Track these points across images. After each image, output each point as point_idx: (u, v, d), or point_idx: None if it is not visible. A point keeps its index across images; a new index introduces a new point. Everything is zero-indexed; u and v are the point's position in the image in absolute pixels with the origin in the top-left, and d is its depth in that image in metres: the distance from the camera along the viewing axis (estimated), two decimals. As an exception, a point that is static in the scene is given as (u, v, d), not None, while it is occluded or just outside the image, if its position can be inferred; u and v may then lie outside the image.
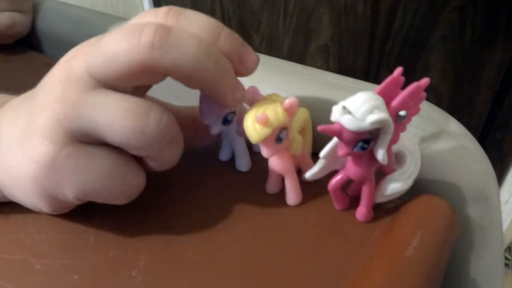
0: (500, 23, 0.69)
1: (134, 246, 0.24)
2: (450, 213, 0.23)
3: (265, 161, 0.29)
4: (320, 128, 0.20)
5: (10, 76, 0.43)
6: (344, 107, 0.20)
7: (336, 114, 0.20)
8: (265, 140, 0.22)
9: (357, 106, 0.20)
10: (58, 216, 0.26)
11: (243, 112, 0.26)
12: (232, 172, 0.29)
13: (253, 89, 0.28)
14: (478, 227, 0.25)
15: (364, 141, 0.21)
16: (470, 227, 0.25)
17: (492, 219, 0.26)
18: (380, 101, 0.20)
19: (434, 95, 0.85)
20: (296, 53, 0.96)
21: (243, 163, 0.28)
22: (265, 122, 0.21)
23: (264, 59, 0.33)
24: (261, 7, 0.97)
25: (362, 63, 0.89)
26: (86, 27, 0.44)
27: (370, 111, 0.20)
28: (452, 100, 0.82)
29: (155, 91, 0.34)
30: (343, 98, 0.28)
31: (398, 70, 0.22)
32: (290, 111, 0.23)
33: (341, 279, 0.21)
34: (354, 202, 0.26)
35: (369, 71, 0.89)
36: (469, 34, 0.73)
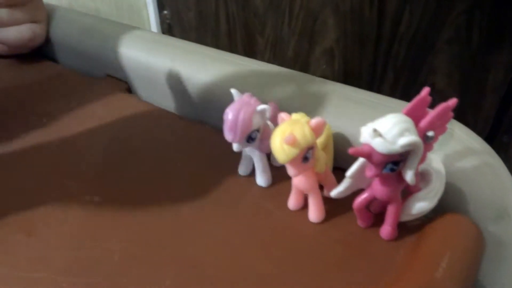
0: (506, 26, 0.69)
1: (159, 265, 0.24)
2: (476, 232, 0.23)
3: (285, 176, 0.29)
4: (351, 151, 0.20)
5: (25, 85, 0.43)
6: (375, 130, 0.20)
7: (366, 136, 0.20)
8: (292, 160, 0.22)
9: (388, 128, 0.20)
10: (83, 232, 0.26)
11: (266, 129, 0.26)
12: (252, 187, 0.29)
13: (274, 106, 0.28)
14: (500, 244, 0.25)
15: (393, 163, 0.21)
16: (492, 244, 0.25)
17: (514, 236, 0.26)
18: (410, 123, 0.20)
19: (440, 99, 0.84)
20: (301, 56, 0.95)
21: (264, 179, 0.28)
22: (293, 142, 0.21)
23: (284, 72, 0.33)
24: (266, 10, 0.97)
25: (367, 66, 0.89)
26: (95, 35, 0.44)
27: (401, 134, 0.20)
28: (458, 103, 0.82)
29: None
30: (365, 114, 0.28)
31: (426, 90, 0.22)
32: (316, 131, 0.23)
33: (370, 300, 0.21)
34: (377, 219, 0.26)
35: (374, 74, 0.88)
36: (476, 37, 0.73)
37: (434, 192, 0.23)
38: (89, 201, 0.28)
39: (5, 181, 0.30)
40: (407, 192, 0.24)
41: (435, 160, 0.24)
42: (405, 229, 0.25)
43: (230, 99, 0.33)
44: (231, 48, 1.09)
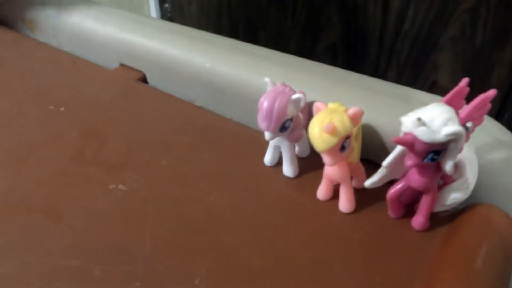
0: (511, 25, 0.70)
1: (193, 253, 0.23)
2: (509, 222, 0.23)
3: (310, 166, 0.29)
4: (395, 139, 0.20)
5: (39, 74, 0.42)
6: (419, 119, 0.20)
7: (409, 125, 0.20)
8: (330, 149, 0.22)
9: (432, 117, 0.20)
10: (111, 220, 0.26)
11: (297, 119, 0.26)
12: (279, 177, 0.29)
13: (302, 93, 0.28)
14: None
15: (434, 153, 0.21)
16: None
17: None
18: (453, 113, 0.20)
19: (443, 95, 0.85)
20: (304, 52, 0.95)
21: (292, 169, 0.28)
22: (332, 131, 0.21)
23: (309, 65, 0.33)
24: (269, 4, 0.96)
25: (370, 62, 0.89)
26: (109, 23, 0.43)
27: (445, 123, 0.20)
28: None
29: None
30: (390, 105, 0.28)
31: (465, 81, 0.22)
32: (354, 120, 0.23)
33: (408, 289, 0.21)
34: (406, 210, 0.26)
35: (377, 71, 0.89)
36: (480, 35, 0.73)
37: (468, 183, 0.23)
38: (115, 189, 0.28)
39: (28, 169, 0.30)
40: (441, 183, 0.24)
41: (469, 152, 0.24)
42: (436, 220, 0.25)
43: (250, 90, 0.33)
44: (234, 42, 1.07)
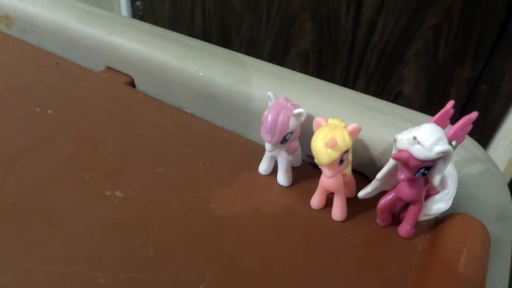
0: (470, 44, 0.75)
1: (196, 261, 0.24)
2: (484, 232, 0.26)
3: (301, 176, 0.31)
4: (393, 156, 0.22)
5: (22, 75, 0.41)
6: (414, 138, 0.22)
7: (405, 143, 0.22)
8: (332, 163, 0.24)
9: (426, 137, 0.22)
10: (110, 226, 0.26)
11: (295, 132, 0.28)
12: (274, 186, 0.30)
13: (298, 107, 0.29)
14: (498, 242, 0.29)
15: (425, 168, 0.23)
16: (493, 243, 0.28)
17: (509, 235, 0.29)
18: (443, 133, 0.22)
19: (406, 105, 0.90)
20: (276, 57, 0.97)
21: (287, 179, 0.30)
22: (335, 146, 0.23)
23: (302, 78, 0.34)
24: (244, 9, 0.97)
25: (340, 72, 0.92)
26: (95, 25, 0.42)
27: (437, 143, 0.22)
28: (423, 110, 0.87)
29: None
30: (381, 120, 0.30)
31: (451, 103, 0.25)
32: (353, 135, 0.24)
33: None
34: (392, 218, 0.28)
35: (347, 80, 0.92)
36: (442, 51, 0.78)
37: (450, 195, 0.26)
38: (112, 196, 0.28)
39: (18, 174, 0.29)
40: (425, 194, 0.27)
41: (450, 166, 0.26)
42: (419, 228, 0.27)
43: (242, 100, 0.34)
44: (206, 44, 1.08)
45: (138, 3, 1.16)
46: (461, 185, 0.27)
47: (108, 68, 0.43)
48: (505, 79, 0.76)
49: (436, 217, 0.28)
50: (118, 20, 0.42)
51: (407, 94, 0.85)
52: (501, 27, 0.72)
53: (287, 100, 0.26)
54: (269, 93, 0.27)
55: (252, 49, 1.02)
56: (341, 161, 0.24)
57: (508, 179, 0.76)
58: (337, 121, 0.25)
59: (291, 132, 0.27)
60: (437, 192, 0.26)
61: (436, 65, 0.80)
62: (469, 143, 0.29)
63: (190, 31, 1.08)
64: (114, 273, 0.23)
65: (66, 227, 0.25)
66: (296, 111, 0.26)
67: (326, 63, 0.93)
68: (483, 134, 0.76)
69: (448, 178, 0.26)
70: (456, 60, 0.78)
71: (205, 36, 1.05)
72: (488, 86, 0.77)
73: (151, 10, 1.14)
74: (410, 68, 0.83)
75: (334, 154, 0.23)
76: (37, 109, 0.36)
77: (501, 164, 0.76)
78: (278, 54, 0.98)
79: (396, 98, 0.86)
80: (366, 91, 0.86)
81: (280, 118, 0.25)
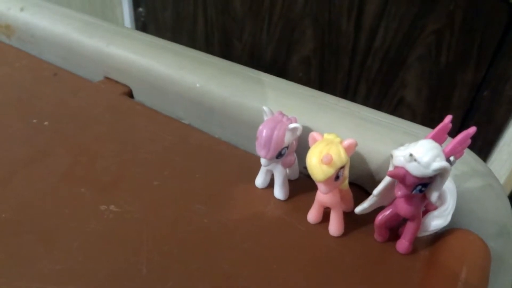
0: (472, 49, 0.75)
1: (191, 278, 0.24)
2: (484, 248, 0.26)
3: (299, 190, 0.30)
4: (389, 173, 0.22)
5: (19, 85, 0.41)
6: (411, 155, 0.21)
7: (402, 160, 0.22)
8: (327, 179, 0.23)
9: (423, 154, 0.21)
10: (105, 243, 0.26)
11: (291, 146, 0.27)
12: (270, 200, 0.30)
13: (295, 120, 0.29)
14: (499, 259, 0.28)
15: (422, 185, 0.22)
16: (492, 259, 0.28)
17: (510, 251, 0.29)
18: (440, 149, 0.22)
19: (409, 111, 0.89)
20: (278, 63, 0.97)
21: (283, 193, 0.29)
22: (330, 162, 0.23)
23: (301, 90, 0.34)
24: (245, 15, 0.97)
25: (342, 77, 0.92)
26: (94, 34, 0.42)
27: (434, 160, 0.21)
28: (425, 116, 0.87)
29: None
30: (379, 133, 0.30)
31: (449, 118, 0.24)
32: (349, 151, 0.24)
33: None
34: (390, 234, 0.27)
35: (348, 85, 0.92)
36: (444, 56, 0.78)
37: (448, 210, 0.25)
38: (107, 211, 0.28)
39: (14, 188, 0.29)
40: (424, 210, 0.26)
41: (449, 181, 0.26)
42: (418, 244, 0.27)
43: (241, 113, 0.34)
44: (208, 51, 1.08)
45: (140, 9, 1.17)
46: (461, 199, 0.27)
47: (107, 78, 0.43)
48: (508, 85, 0.75)
49: (435, 233, 0.27)
50: (117, 31, 0.42)
51: (409, 100, 0.85)
52: (503, 32, 0.71)
53: (282, 114, 0.26)
54: (264, 108, 0.26)
55: (254, 55, 1.02)
56: (337, 177, 0.24)
57: (510, 188, 0.76)
58: (332, 136, 0.25)
59: (287, 147, 0.26)
60: (436, 208, 0.26)
61: (438, 71, 0.80)
62: (469, 157, 0.28)
63: (191, 38, 1.09)
64: (107, 291, 0.23)
65: (60, 243, 0.25)
66: (292, 125, 0.25)
67: (328, 69, 0.93)
68: (486, 140, 0.76)
69: (447, 193, 0.25)
70: (459, 65, 0.78)
71: (207, 42, 1.05)
72: (491, 91, 0.77)
73: (153, 16, 1.15)
74: (412, 74, 0.82)
75: (329, 171, 0.23)
76: (34, 120, 0.36)
77: (504, 171, 0.75)
78: (280, 60, 0.97)
79: (398, 104, 0.86)
80: (367, 96, 0.86)
81: (275, 133, 0.25)
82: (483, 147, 0.78)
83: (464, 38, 0.74)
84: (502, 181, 0.77)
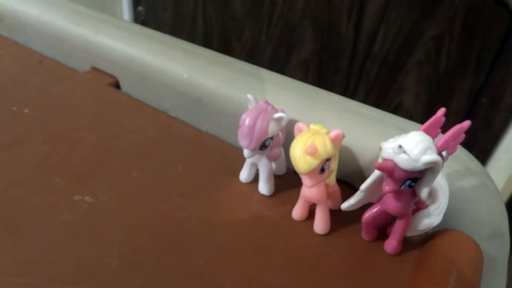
0: (472, 55, 0.74)
1: (162, 274, 0.22)
2: (476, 249, 0.24)
3: (285, 185, 0.29)
4: (376, 165, 0.20)
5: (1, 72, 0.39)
6: (400, 146, 0.20)
7: (390, 152, 0.20)
8: (311, 171, 0.22)
9: (413, 146, 0.20)
10: (75, 235, 0.24)
11: (277, 137, 0.26)
12: (254, 195, 0.28)
13: (282, 111, 0.27)
14: (492, 261, 0.27)
15: (412, 180, 0.21)
16: (485, 261, 0.26)
17: (505, 254, 0.27)
18: (431, 142, 0.21)
19: (406, 116, 0.88)
20: (277, 65, 0.96)
21: (268, 188, 0.28)
22: (314, 153, 0.21)
23: (290, 83, 0.33)
24: (245, 16, 0.97)
25: (340, 81, 0.91)
26: (82, 24, 0.41)
27: (424, 152, 0.20)
28: (423, 122, 0.85)
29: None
30: (370, 128, 0.29)
31: (441, 111, 0.23)
32: (335, 143, 0.23)
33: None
34: (379, 233, 0.26)
35: (347, 89, 0.91)
36: (443, 62, 0.77)
37: (440, 209, 0.24)
38: (80, 201, 0.26)
39: (-16, 175, 0.27)
40: (414, 208, 0.25)
41: (441, 178, 0.24)
42: (407, 244, 0.25)
43: (228, 104, 0.32)
44: (207, 50, 1.07)
45: (140, 8, 1.16)
46: (453, 199, 0.26)
47: (94, 68, 0.41)
48: (506, 92, 0.74)
49: (426, 233, 0.26)
50: (105, 20, 0.41)
51: (407, 105, 0.84)
52: (503, 38, 0.70)
53: (267, 103, 0.25)
54: (249, 96, 0.25)
55: (253, 56, 1.01)
56: (322, 170, 0.23)
57: (508, 194, 0.74)
58: (319, 127, 0.23)
59: (271, 138, 0.25)
60: (426, 206, 0.24)
61: (437, 76, 0.79)
62: (462, 154, 0.27)
63: (191, 37, 1.08)
64: (70, 285, 0.21)
65: (26, 233, 0.24)
66: (277, 115, 0.24)
67: (327, 72, 0.92)
68: (484, 147, 0.74)
69: (439, 191, 0.24)
70: (457, 71, 0.77)
71: (206, 42, 1.04)
72: (489, 98, 0.76)
73: (153, 15, 1.14)
74: (410, 79, 0.81)
75: (314, 162, 0.21)
76: (14, 108, 0.34)
77: (502, 178, 0.74)
78: (279, 62, 0.97)
79: (396, 108, 0.85)
80: (366, 100, 0.85)
81: (259, 122, 0.23)
82: (480, 154, 0.76)
83: (464, 44, 0.73)
84: (499, 189, 0.76)
